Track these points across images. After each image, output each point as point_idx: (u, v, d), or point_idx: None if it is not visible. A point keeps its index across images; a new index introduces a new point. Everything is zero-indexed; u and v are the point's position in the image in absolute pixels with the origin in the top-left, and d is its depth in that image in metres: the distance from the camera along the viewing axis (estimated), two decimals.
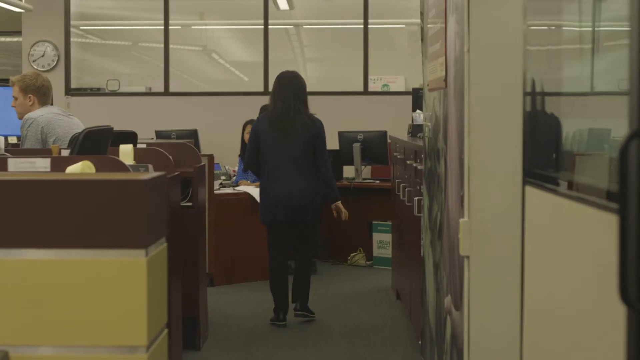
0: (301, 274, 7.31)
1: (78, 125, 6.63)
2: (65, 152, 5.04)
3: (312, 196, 7.16)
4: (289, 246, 7.35)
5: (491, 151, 3.46)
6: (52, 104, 6.77)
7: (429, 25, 4.87)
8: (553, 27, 2.92)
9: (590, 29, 2.65)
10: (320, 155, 7.21)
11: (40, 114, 6.46)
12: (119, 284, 2.75)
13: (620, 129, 2.14)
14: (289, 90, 7.27)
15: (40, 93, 6.64)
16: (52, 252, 2.76)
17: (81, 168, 3.47)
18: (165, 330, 3.07)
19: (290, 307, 7.26)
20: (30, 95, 6.61)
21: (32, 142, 6.35)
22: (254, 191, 8.94)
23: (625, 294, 1.78)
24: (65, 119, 6.59)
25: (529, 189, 2.89)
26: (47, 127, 6.38)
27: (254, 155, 7.26)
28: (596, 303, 2.21)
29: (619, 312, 1.95)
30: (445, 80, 4.12)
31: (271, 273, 7.26)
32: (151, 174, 2.96)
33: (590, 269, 2.25)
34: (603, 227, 2.09)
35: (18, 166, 3.54)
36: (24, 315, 2.77)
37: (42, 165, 3.60)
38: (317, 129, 7.20)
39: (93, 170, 3.52)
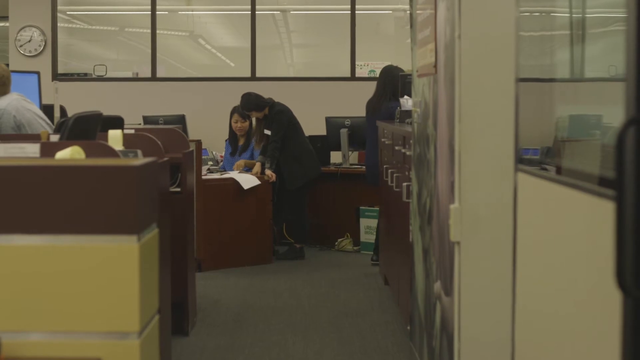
0: None
1: (36, 108, 6.77)
2: (54, 138, 5.03)
3: None
4: None
5: (482, 137, 3.46)
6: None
7: (418, 11, 4.86)
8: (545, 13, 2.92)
9: (581, 15, 2.65)
10: None
11: (7, 102, 6.49)
12: (111, 269, 2.74)
13: (609, 116, 2.14)
14: (379, 82, 8.78)
15: (0, 83, 6.64)
16: (44, 237, 2.76)
17: (71, 153, 3.45)
18: (157, 316, 3.07)
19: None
20: None
21: (7, 131, 6.37)
22: (240, 177, 8.95)
23: (621, 280, 1.79)
24: (27, 103, 6.64)
25: (521, 175, 2.89)
26: (17, 114, 6.43)
27: None
28: (589, 289, 2.21)
29: (613, 299, 1.95)
30: (435, 66, 4.12)
31: None
32: (143, 159, 2.96)
33: (582, 255, 2.25)
34: (596, 214, 2.09)
35: (8, 151, 3.53)
36: (15, 301, 2.76)
37: (31, 150, 3.58)
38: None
39: (83, 155, 3.50)
